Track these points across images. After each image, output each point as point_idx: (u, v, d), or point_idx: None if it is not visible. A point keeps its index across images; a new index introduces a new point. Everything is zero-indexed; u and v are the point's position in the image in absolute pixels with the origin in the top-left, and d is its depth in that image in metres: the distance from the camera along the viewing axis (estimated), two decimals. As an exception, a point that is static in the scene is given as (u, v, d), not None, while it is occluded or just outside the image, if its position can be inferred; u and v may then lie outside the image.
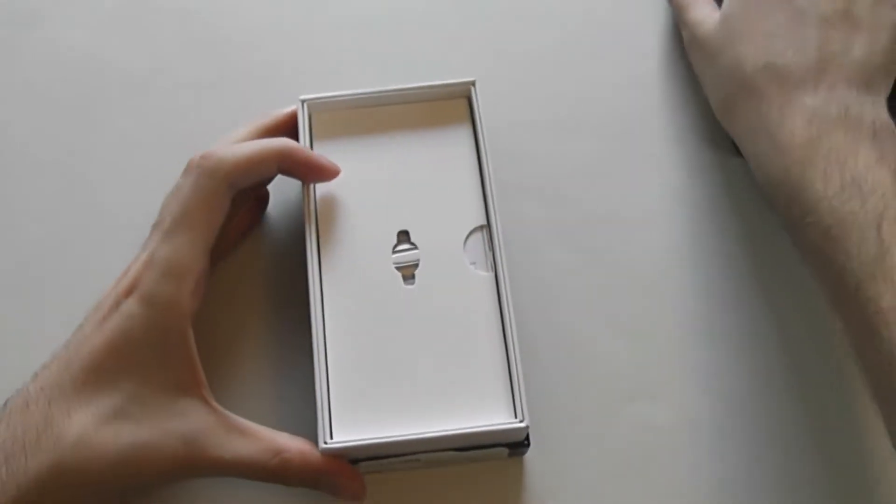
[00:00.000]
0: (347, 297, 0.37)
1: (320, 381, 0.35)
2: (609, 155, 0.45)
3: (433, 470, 0.38)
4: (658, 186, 0.44)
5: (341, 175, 0.39)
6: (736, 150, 0.42)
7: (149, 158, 0.45)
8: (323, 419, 0.34)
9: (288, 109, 0.41)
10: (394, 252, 0.38)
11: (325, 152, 0.40)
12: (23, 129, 0.45)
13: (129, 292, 0.35)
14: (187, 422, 0.34)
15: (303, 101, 0.40)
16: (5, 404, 0.34)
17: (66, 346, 0.35)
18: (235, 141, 0.39)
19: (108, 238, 0.43)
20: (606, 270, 0.42)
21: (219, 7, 0.49)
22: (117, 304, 0.35)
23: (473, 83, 0.41)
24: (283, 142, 0.38)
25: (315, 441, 0.35)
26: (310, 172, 0.39)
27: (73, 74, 0.47)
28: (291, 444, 0.35)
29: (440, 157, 0.40)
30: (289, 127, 0.40)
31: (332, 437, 0.34)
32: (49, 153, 0.45)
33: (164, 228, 0.36)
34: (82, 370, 0.34)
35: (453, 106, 0.41)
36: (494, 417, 0.35)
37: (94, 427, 0.33)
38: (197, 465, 0.34)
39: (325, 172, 0.39)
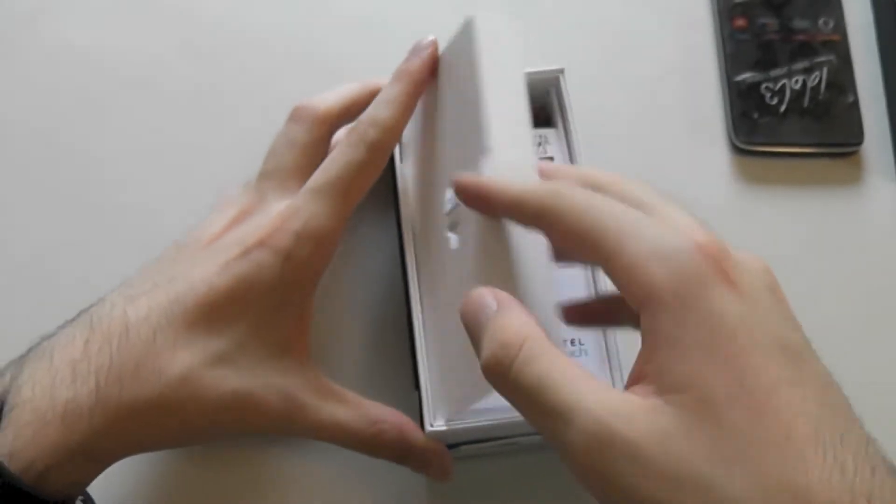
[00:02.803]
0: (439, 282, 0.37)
1: (424, 364, 0.34)
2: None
3: (528, 455, 0.38)
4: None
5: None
6: None
7: (149, 157, 0.44)
8: (428, 402, 0.34)
9: (376, 80, 0.39)
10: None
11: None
12: (22, 128, 0.45)
13: (263, 243, 0.33)
14: (289, 380, 0.33)
15: None
16: (90, 318, 0.32)
17: (170, 280, 0.33)
18: (346, 99, 0.38)
19: (108, 236, 0.42)
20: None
21: (220, 5, 0.48)
22: (247, 251, 0.33)
23: (562, 71, 0.40)
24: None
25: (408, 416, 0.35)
26: None
27: (73, 73, 0.46)
28: (388, 415, 0.35)
29: None
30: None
31: (436, 420, 0.34)
32: (49, 152, 0.44)
33: (314, 187, 0.34)
34: (198, 306, 0.33)
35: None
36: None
37: (201, 368, 0.32)
38: (293, 423, 0.33)
39: None
